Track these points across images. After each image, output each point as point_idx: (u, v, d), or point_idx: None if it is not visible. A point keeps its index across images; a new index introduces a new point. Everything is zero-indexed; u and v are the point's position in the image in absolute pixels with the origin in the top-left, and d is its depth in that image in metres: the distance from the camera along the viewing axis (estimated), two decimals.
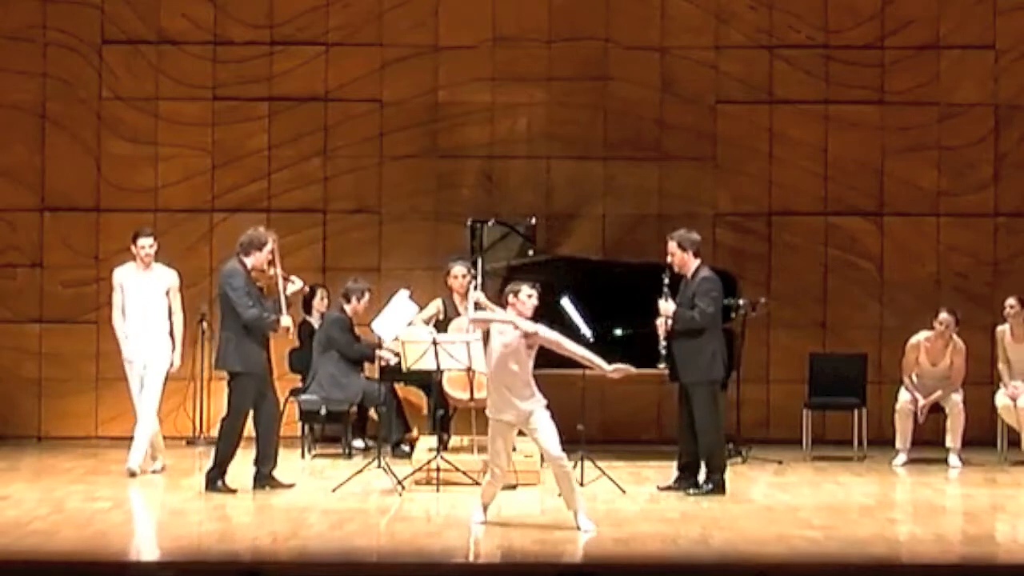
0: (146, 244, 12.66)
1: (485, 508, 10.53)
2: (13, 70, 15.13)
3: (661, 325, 11.80)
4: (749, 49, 15.26)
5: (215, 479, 11.75)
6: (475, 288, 12.95)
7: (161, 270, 12.78)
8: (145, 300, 12.66)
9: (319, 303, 14.54)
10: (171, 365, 12.73)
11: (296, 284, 12.10)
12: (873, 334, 15.07)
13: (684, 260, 11.86)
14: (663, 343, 11.83)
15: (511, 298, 10.33)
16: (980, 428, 14.12)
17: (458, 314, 13.16)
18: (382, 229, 15.20)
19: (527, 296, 10.30)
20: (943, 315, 13.82)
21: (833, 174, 15.24)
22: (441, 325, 13.13)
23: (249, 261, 11.86)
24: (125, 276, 12.73)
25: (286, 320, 11.90)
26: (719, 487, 11.75)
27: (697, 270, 11.84)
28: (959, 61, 15.29)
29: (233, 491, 11.68)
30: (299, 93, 15.20)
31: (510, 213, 14.62)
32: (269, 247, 11.90)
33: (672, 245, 11.88)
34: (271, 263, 11.95)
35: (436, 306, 13.39)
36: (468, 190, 15.22)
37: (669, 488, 11.88)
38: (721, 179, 15.24)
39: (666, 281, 11.85)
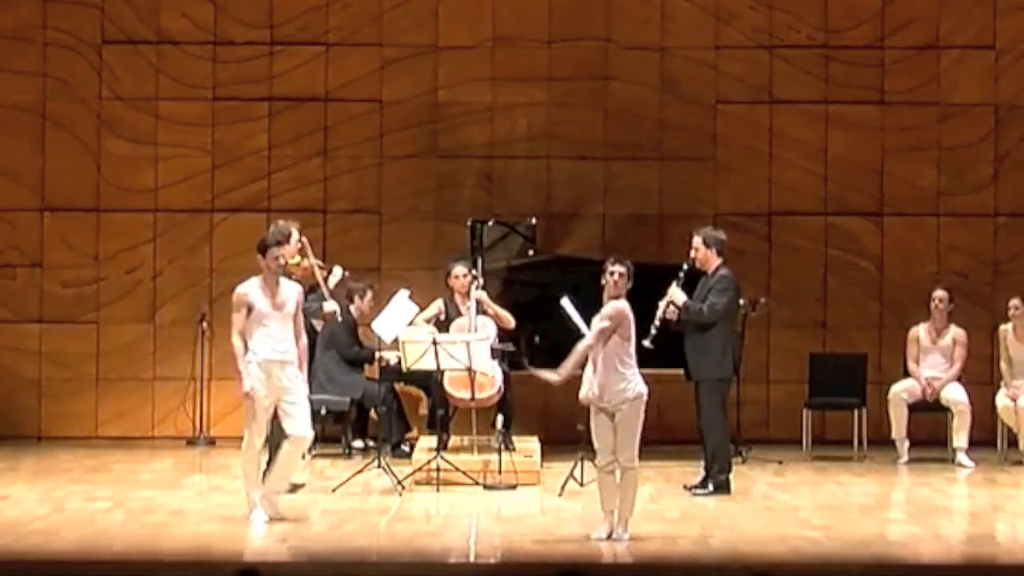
0: (278, 251, 10.52)
1: (611, 515, 9.91)
2: (13, 70, 15.11)
3: (663, 307, 11.73)
4: (749, 49, 15.25)
5: None
6: (477, 287, 12.96)
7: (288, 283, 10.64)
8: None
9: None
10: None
11: (337, 275, 12.10)
12: (873, 334, 15.06)
13: (707, 256, 11.87)
14: (656, 323, 11.74)
15: (608, 277, 9.92)
16: (980, 428, 14.09)
17: (460, 314, 13.11)
18: (382, 229, 15.19)
19: (610, 273, 9.94)
20: (937, 292, 13.89)
21: (833, 174, 15.23)
22: (442, 326, 13.05)
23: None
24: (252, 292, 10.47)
25: (330, 305, 11.99)
26: (723, 487, 11.74)
27: (717, 268, 11.87)
28: (959, 61, 15.28)
29: (299, 485, 11.70)
30: (299, 93, 15.19)
31: (510, 213, 14.61)
32: (296, 236, 11.83)
33: (697, 240, 11.92)
34: (303, 255, 11.89)
35: (437, 306, 13.26)
36: (468, 190, 15.20)
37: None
38: (721, 179, 15.24)
39: (684, 268, 11.86)
